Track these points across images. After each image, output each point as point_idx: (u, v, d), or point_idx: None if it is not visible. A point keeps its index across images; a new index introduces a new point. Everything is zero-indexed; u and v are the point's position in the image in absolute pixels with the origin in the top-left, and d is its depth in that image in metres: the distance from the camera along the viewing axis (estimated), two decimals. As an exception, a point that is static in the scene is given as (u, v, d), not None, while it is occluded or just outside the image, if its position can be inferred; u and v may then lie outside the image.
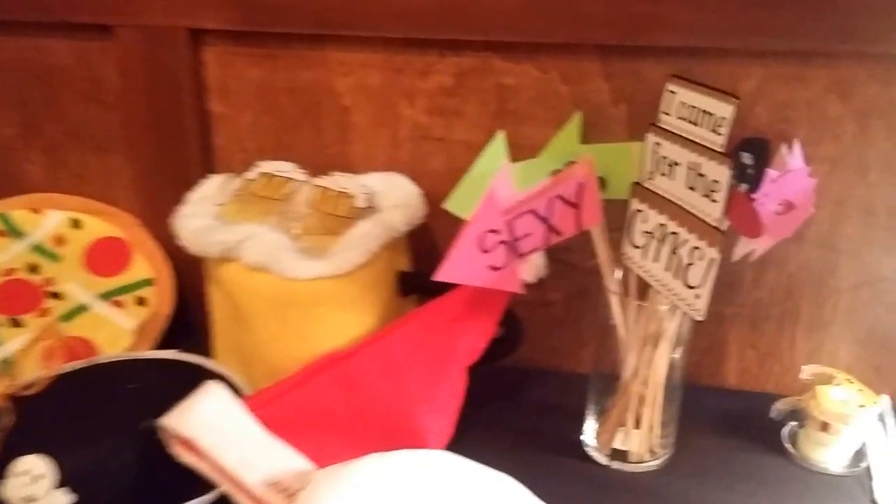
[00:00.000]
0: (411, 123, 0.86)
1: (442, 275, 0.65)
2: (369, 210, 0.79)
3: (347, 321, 0.74)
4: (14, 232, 0.93)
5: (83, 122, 0.95)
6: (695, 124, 0.64)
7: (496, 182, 0.66)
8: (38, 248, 0.93)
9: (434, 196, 0.84)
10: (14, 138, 0.98)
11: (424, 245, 0.86)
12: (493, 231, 0.66)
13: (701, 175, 0.63)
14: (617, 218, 0.73)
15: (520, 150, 0.83)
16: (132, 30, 0.87)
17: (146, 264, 0.94)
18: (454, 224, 0.74)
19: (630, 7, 0.73)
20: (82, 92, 0.93)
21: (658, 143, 0.68)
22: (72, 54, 0.92)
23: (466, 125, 0.84)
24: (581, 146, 0.79)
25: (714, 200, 0.62)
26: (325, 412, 0.70)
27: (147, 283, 0.93)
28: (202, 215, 0.79)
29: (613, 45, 0.76)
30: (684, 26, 0.73)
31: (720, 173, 0.61)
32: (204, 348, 0.85)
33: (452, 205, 0.78)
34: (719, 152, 0.61)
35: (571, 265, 0.86)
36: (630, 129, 0.79)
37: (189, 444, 0.66)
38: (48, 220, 0.95)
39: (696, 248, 0.64)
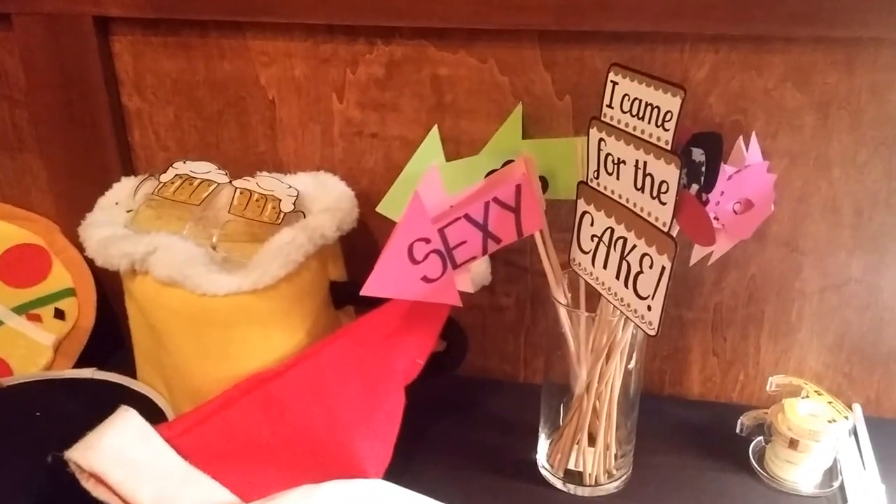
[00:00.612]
0: (343, 119, 0.79)
1: (368, 289, 0.59)
2: (297, 214, 0.73)
3: (272, 339, 0.68)
4: (-81, 243, 0.86)
5: (-11, 121, 0.87)
6: (640, 118, 0.58)
7: (423, 186, 0.59)
8: (-53, 259, 0.86)
9: (372, 196, 0.79)
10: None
11: (362, 250, 0.80)
12: (423, 240, 0.59)
13: (648, 175, 0.58)
14: (565, 219, 0.67)
15: (459, 146, 0.77)
16: (31, 18, 0.79)
17: (65, 273, 0.88)
18: (393, 227, 0.68)
19: (571, -10, 0.67)
20: (-14, 89, 0.86)
21: (602, 140, 0.62)
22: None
23: (402, 120, 0.78)
24: (523, 141, 0.73)
25: (663, 203, 0.56)
26: (251, 440, 0.64)
27: (67, 293, 0.87)
28: (110, 223, 0.72)
29: (554, 31, 0.70)
30: (629, 9, 0.67)
31: (668, 173, 0.55)
32: (131, 364, 0.79)
33: (386, 208, 0.72)
34: (667, 150, 0.56)
35: (522, 268, 0.80)
36: (576, 122, 0.73)
37: (100, 479, 0.60)
38: (-43, 227, 0.88)
39: (646, 255, 0.58)
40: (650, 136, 0.57)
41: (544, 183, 0.70)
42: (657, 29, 0.68)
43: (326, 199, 0.75)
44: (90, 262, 0.79)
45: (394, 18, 0.72)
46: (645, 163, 0.57)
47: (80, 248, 0.83)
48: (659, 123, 0.56)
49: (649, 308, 0.58)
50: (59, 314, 0.85)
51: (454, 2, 0.70)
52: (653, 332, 0.57)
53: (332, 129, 0.80)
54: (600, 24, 0.68)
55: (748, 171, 0.64)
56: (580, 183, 0.65)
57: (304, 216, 0.73)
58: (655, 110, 0.57)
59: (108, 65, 0.81)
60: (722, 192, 0.63)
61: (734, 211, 0.64)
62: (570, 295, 0.68)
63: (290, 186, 0.75)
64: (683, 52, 0.69)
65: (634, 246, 0.59)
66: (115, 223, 0.73)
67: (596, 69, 0.71)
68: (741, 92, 0.69)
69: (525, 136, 0.73)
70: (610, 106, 0.62)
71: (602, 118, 0.62)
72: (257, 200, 0.73)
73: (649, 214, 0.58)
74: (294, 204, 0.73)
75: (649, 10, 0.66)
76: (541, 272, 0.67)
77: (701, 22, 0.66)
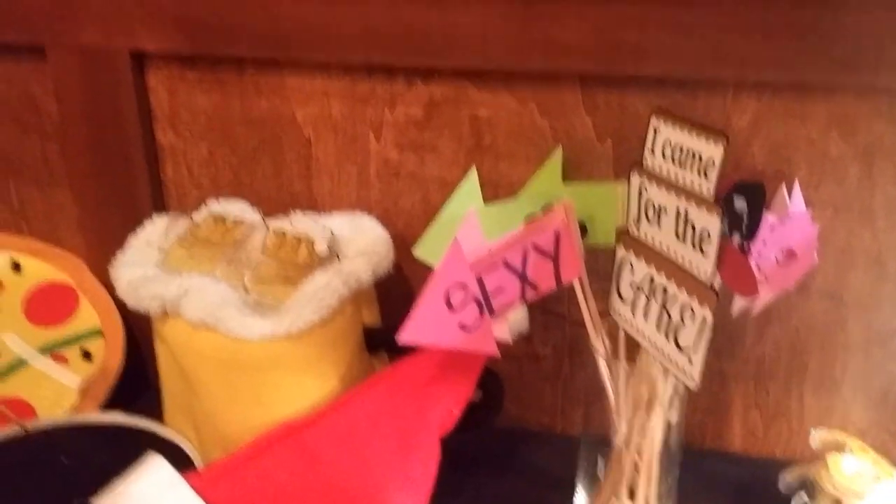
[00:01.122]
0: (380, 158, 0.84)
1: (406, 336, 0.63)
2: (332, 257, 0.77)
3: (305, 385, 0.72)
4: (-55, 279, 0.91)
5: (21, 153, 0.93)
6: (682, 166, 0.62)
7: (462, 230, 0.63)
8: (-27, 296, 0.91)
9: (408, 238, 0.82)
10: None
11: (396, 293, 0.84)
12: (461, 286, 0.63)
13: (690, 223, 0.61)
14: (605, 265, 0.71)
15: (498, 189, 0.81)
16: (66, 51, 0.85)
17: (93, 312, 0.92)
18: (429, 270, 0.72)
19: (612, 34, 0.71)
20: (17, 119, 0.92)
21: (643, 186, 0.66)
22: (2, 78, 0.90)
23: (440, 161, 0.82)
24: (563, 185, 0.77)
25: (705, 253, 0.60)
26: (283, 490, 0.68)
27: (94, 333, 0.91)
28: (142, 263, 0.77)
29: (595, 75, 0.75)
30: (671, 55, 0.71)
31: (710, 223, 0.59)
32: (158, 408, 0.83)
33: (423, 251, 0.76)
34: (708, 199, 0.59)
35: (560, 316, 0.84)
36: (616, 166, 0.77)
37: (127, 529, 0.64)
38: (-16, 263, 0.93)
39: (687, 305, 0.62)
40: (692, 184, 0.61)
41: (583, 229, 0.74)
42: (698, 75, 0.72)
43: (362, 241, 0.79)
44: (118, 302, 0.84)
45: (433, 58, 0.77)
46: (686, 211, 0.61)
47: (109, 286, 0.89)
48: (701, 172, 0.60)
49: (690, 360, 0.61)
50: (86, 355, 0.90)
51: (495, 43, 0.74)
52: (694, 386, 0.61)
53: (368, 168, 0.85)
54: (641, 68, 0.72)
55: (791, 221, 0.67)
56: (620, 230, 0.68)
57: (339, 259, 0.77)
58: (697, 158, 0.61)
59: (142, 100, 0.87)
60: (764, 242, 0.66)
61: (776, 261, 0.68)
62: (609, 344, 0.71)
63: (325, 227, 0.79)
64: (726, 98, 0.73)
65: (675, 296, 0.63)
66: (146, 263, 0.77)
67: (637, 113, 0.75)
68: (784, 140, 0.73)
69: (565, 179, 0.78)
70: (651, 152, 0.66)
71: (643, 164, 0.66)
72: (291, 242, 0.78)
73: (690, 264, 0.62)
74: (328, 246, 0.77)
75: (690, 56, 0.70)
76: (579, 321, 0.70)
77: (743, 69, 0.70)
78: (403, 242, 0.82)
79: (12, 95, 0.90)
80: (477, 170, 0.80)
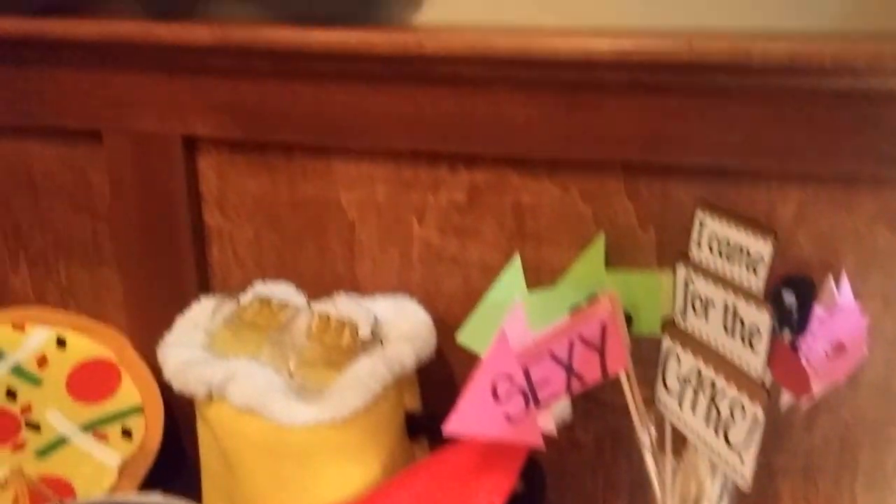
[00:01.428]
0: (423, 242, 0.84)
1: (451, 427, 0.62)
2: (375, 341, 0.77)
3: (349, 471, 0.71)
4: (-6, 352, 0.92)
5: (71, 233, 0.95)
6: (729, 260, 0.62)
7: (509, 320, 0.63)
8: (19, 371, 0.92)
9: (448, 321, 0.82)
10: (-2, 248, 0.98)
11: (437, 377, 0.83)
12: (507, 378, 0.63)
13: (738, 318, 0.60)
14: (648, 352, 0.70)
15: (540, 274, 0.81)
16: (121, 135, 0.87)
17: (134, 390, 0.92)
18: (470, 355, 0.71)
19: (655, 124, 0.72)
20: (70, 200, 0.93)
21: (689, 278, 0.65)
22: (58, 160, 0.92)
23: (482, 245, 0.82)
24: (606, 272, 0.76)
25: (755, 350, 0.59)
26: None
27: (135, 411, 0.91)
28: (189, 345, 0.77)
29: (638, 163, 0.75)
30: (714, 146, 0.71)
31: (760, 320, 0.58)
32: (196, 489, 0.82)
33: (466, 337, 0.75)
34: (758, 297, 0.59)
35: (602, 403, 0.82)
36: (659, 254, 0.77)
37: None
38: (31, 338, 0.94)
39: (737, 401, 0.60)
40: (740, 279, 0.61)
41: (628, 318, 0.73)
42: (742, 165, 0.72)
43: (405, 325, 0.79)
44: (159, 379, 0.84)
45: (477, 145, 0.78)
46: (734, 306, 0.60)
47: (152, 363, 0.89)
48: (749, 267, 0.60)
49: (741, 459, 0.60)
50: (126, 433, 0.89)
51: (537, 132, 0.75)
52: (746, 485, 0.59)
53: (411, 252, 0.85)
54: (684, 158, 0.72)
55: (840, 314, 0.66)
56: (666, 321, 0.68)
57: (382, 343, 0.77)
58: (745, 253, 0.60)
59: (192, 182, 0.88)
60: (813, 335, 0.65)
61: (825, 354, 0.66)
62: (655, 435, 0.70)
63: (369, 311, 0.79)
64: (770, 188, 0.73)
65: (724, 391, 0.61)
66: (193, 345, 0.78)
67: (680, 201, 0.75)
68: (830, 230, 0.72)
69: (607, 266, 0.77)
70: (698, 245, 0.65)
71: (689, 256, 0.66)
72: (335, 326, 0.78)
73: (739, 359, 0.61)
74: (372, 330, 0.77)
75: (734, 147, 0.70)
76: (622, 407, 0.69)
77: (787, 159, 0.70)
78: (444, 326, 0.82)
79: (67, 177, 0.92)
80: (519, 255, 0.80)
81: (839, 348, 0.67)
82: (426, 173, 0.82)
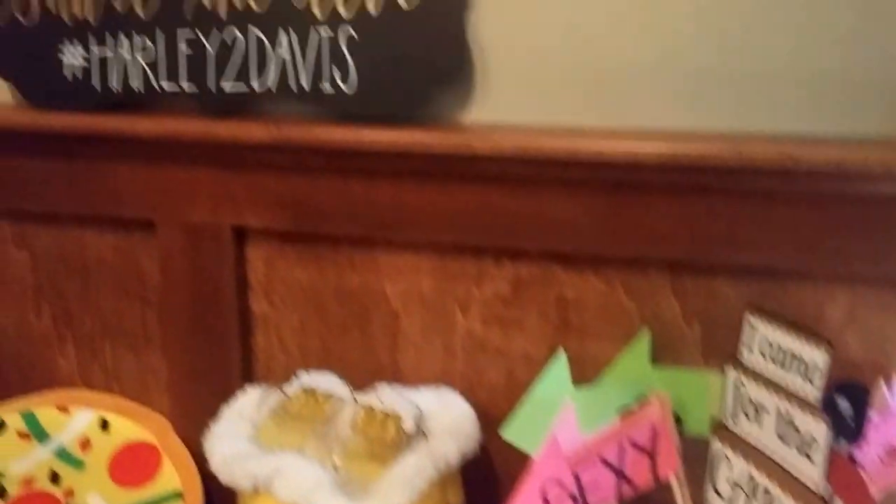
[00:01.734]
0: (466, 332, 0.84)
1: (501, 532, 0.61)
2: (419, 435, 0.76)
3: (392, 569, 0.69)
4: (39, 434, 0.92)
5: (119, 317, 0.95)
6: (782, 366, 0.61)
7: (559, 423, 0.62)
8: (63, 454, 0.91)
9: (491, 412, 0.81)
10: (47, 331, 0.98)
11: (479, 468, 0.81)
12: (558, 482, 0.61)
13: (793, 426, 0.59)
14: (694, 450, 0.68)
15: (583, 367, 0.80)
16: (175, 226, 0.88)
17: (175, 475, 0.91)
18: (512, 447, 0.70)
19: (701, 224, 0.72)
20: (120, 286, 0.94)
21: (740, 381, 0.64)
22: (112, 248, 0.93)
23: (526, 337, 0.82)
24: (651, 368, 0.75)
25: (812, 461, 0.57)
26: None
27: (175, 496, 0.90)
28: (235, 437, 0.77)
29: (684, 261, 0.74)
30: (762, 247, 0.70)
31: (817, 430, 0.57)
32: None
33: (511, 433, 0.74)
34: (814, 406, 0.57)
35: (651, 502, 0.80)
36: (705, 351, 0.76)
37: None
38: (76, 420, 0.94)
39: (793, 511, 0.58)
40: (794, 386, 0.59)
41: (676, 419, 0.71)
42: (789, 266, 0.71)
43: (448, 418, 0.78)
44: (200, 463, 0.83)
45: (522, 241, 0.78)
46: (789, 414, 0.59)
47: (192, 447, 0.88)
48: (804, 376, 0.59)
49: (799, 571, 0.58)
50: (167, 518, 0.88)
51: (582, 229, 0.75)
52: None
53: (454, 342, 0.84)
54: (731, 258, 0.72)
55: (893, 418, 0.65)
56: (716, 423, 0.66)
57: (426, 436, 0.76)
58: (799, 361, 0.59)
59: (241, 271, 0.89)
60: (867, 441, 0.63)
61: (880, 460, 0.64)
62: (705, 539, 0.68)
63: (412, 404, 0.78)
64: (818, 288, 0.72)
65: (779, 499, 0.60)
66: (239, 436, 0.77)
67: (727, 298, 0.74)
68: (880, 331, 0.71)
69: (652, 361, 0.76)
70: (749, 349, 0.64)
71: (740, 359, 0.65)
72: (380, 418, 0.77)
73: (794, 467, 0.59)
74: (416, 423, 0.76)
75: (781, 248, 0.70)
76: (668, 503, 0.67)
77: (836, 262, 0.69)
78: (486, 416, 0.81)
79: (119, 264, 0.93)
80: (562, 347, 0.79)
81: (893, 453, 0.65)
82: (471, 265, 0.82)
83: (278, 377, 0.89)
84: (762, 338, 0.62)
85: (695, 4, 0.72)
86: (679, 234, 0.72)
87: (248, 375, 0.91)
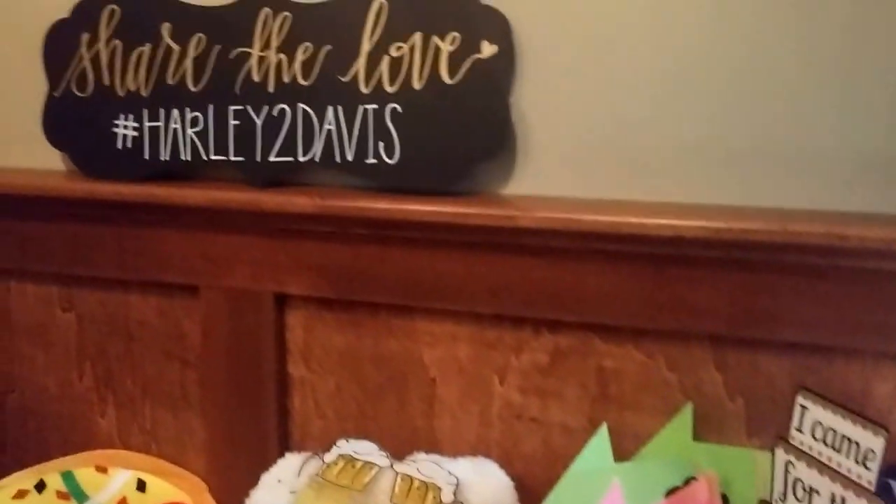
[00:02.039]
0: (503, 401, 0.82)
1: None
2: (457, 505, 0.74)
3: None
4: (78, 495, 0.91)
5: (160, 379, 0.95)
6: (835, 449, 0.59)
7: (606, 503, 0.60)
8: (101, 515, 0.90)
9: (527, 482, 0.79)
10: (88, 391, 0.98)
11: (516, 540, 0.79)
12: (603, 563, 0.59)
13: (846, 511, 0.57)
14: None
15: (622, 439, 0.77)
16: (218, 291, 0.88)
17: (210, 538, 0.90)
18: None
19: (745, 299, 0.70)
20: (162, 348, 0.94)
21: (790, 463, 0.62)
22: (155, 310, 0.93)
23: (564, 407, 0.80)
24: (694, 443, 0.73)
25: (867, 549, 0.55)
26: None
27: (210, 558, 0.88)
28: (274, 503, 0.75)
29: (727, 334, 0.73)
30: (807, 322, 0.69)
31: (872, 517, 0.54)
32: None
33: (552, 508, 0.72)
34: (870, 490, 0.55)
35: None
36: (749, 426, 0.73)
37: None
38: (114, 481, 0.93)
39: None
40: (848, 470, 0.57)
41: (723, 498, 0.69)
42: (836, 342, 0.69)
43: (486, 489, 0.76)
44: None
45: (562, 313, 0.76)
46: (843, 499, 0.57)
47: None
48: (858, 459, 0.56)
49: None
50: (199, 584, 0.87)
51: (623, 301, 0.74)
52: None
53: (490, 410, 0.82)
54: (775, 333, 0.70)
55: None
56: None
57: (465, 508, 0.74)
58: (854, 445, 0.57)
59: (280, 336, 0.88)
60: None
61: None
62: None
63: (451, 475, 0.76)
64: (865, 365, 0.69)
65: (833, 587, 0.57)
66: (277, 502, 0.76)
67: (771, 374, 0.72)
68: (930, 410, 0.68)
69: (695, 436, 0.74)
70: (799, 430, 0.62)
71: (790, 440, 0.62)
72: (418, 488, 0.75)
73: (849, 554, 0.56)
74: (454, 494, 0.74)
75: (827, 325, 0.68)
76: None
77: (884, 339, 0.67)
78: (523, 487, 0.79)
79: (162, 327, 0.93)
80: (601, 418, 0.77)
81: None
82: (509, 335, 0.80)
83: (314, 440, 0.88)
84: (814, 420, 0.60)
85: (738, 83, 0.71)
86: (721, 308, 0.71)
87: (284, 438, 0.89)
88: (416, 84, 0.76)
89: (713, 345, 0.74)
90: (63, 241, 0.91)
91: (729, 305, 0.71)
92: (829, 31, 0.69)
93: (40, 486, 0.90)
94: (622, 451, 0.76)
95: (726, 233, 0.67)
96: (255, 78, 0.81)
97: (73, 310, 0.96)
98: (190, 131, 0.84)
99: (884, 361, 0.69)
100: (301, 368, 0.89)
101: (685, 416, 0.74)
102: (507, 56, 0.75)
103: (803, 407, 0.62)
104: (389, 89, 0.77)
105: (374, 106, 0.77)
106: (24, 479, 0.90)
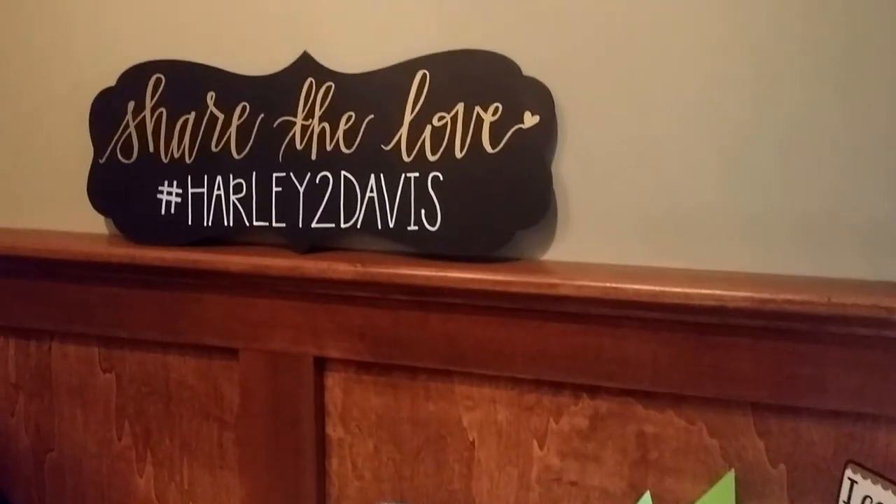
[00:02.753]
0: (542, 464, 0.81)
1: None
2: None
3: None
4: (115, 556, 0.90)
5: (198, 438, 0.94)
6: (887, 525, 0.57)
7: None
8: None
9: (566, 547, 0.78)
10: (126, 450, 0.97)
11: None
12: None
13: (903, 590, 0.55)
14: None
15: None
16: (257, 354, 0.87)
17: None
18: None
19: (788, 368, 0.69)
20: (201, 409, 0.93)
21: (841, 538, 0.60)
22: (194, 372, 0.92)
23: (603, 471, 0.78)
24: (738, 511, 0.72)
25: None
26: None
27: None
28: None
29: (769, 402, 0.71)
30: (851, 391, 0.68)
31: None
32: None
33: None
34: (927, 572, 0.53)
35: None
36: (791, 493, 0.72)
37: None
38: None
39: None
40: (902, 549, 0.56)
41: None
42: (879, 411, 0.68)
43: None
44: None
45: (603, 379, 0.76)
46: (899, 578, 0.55)
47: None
48: (913, 538, 0.55)
49: None
50: None
51: (664, 368, 0.73)
52: None
53: (529, 473, 0.81)
54: (819, 402, 0.69)
55: None
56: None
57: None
58: (907, 523, 0.55)
59: (318, 398, 0.87)
60: None
61: None
62: None
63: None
64: (909, 433, 0.68)
65: None
66: (320, 570, 0.74)
67: (813, 441, 0.71)
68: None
69: (737, 502, 0.72)
70: (847, 503, 0.61)
71: (838, 514, 0.61)
72: (461, 555, 0.74)
73: None
74: (497, 562, 0.73)
75: (871, 394, 0.67)
76: None
77: (930, 409, 0.66)
78: (564, 554, 0.77)
79: (201, 388, 0.92)
80: (641, 483, 0.76)
81: None
82: (548, 399, 0.80)
83: (352, 502, 0.87)
84: (863, 495, 0.59)
85: (784, 153, 0.72)
86: (764, 376, 0.70)
87: (322, 499, 0.88)
88: (458, 153, 0.76)
89: (755, 411, 0.73)
90: (105, 304, 0.91)
91: (772, 374, 0.70)
92: (878, 102, 0.69)
93: (79, 547, 0.89)
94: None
95: (770, 303, 0.66)
96: (298, 146, 0.82)
97: (113, 370, 0.95)
98: (233, 198, 0.84)
99: (932, 436, 0.68)
100: (339, 430, 0.88)
101: (727, 483, 0.73)
102: (548, 126, 0.75)
103: (852, 481, 0.60)
104: (431, 158, 0.77)
105: (416, 174, 0.78)
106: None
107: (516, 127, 0.75)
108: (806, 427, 0.71)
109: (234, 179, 0.84)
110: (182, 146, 0.86)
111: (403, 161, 0.78)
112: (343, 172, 0.80)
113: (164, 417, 0.95)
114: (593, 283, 0.71)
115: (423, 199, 0.78)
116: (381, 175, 0.79)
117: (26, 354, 0.98)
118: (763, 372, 0.70)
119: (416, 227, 0.78)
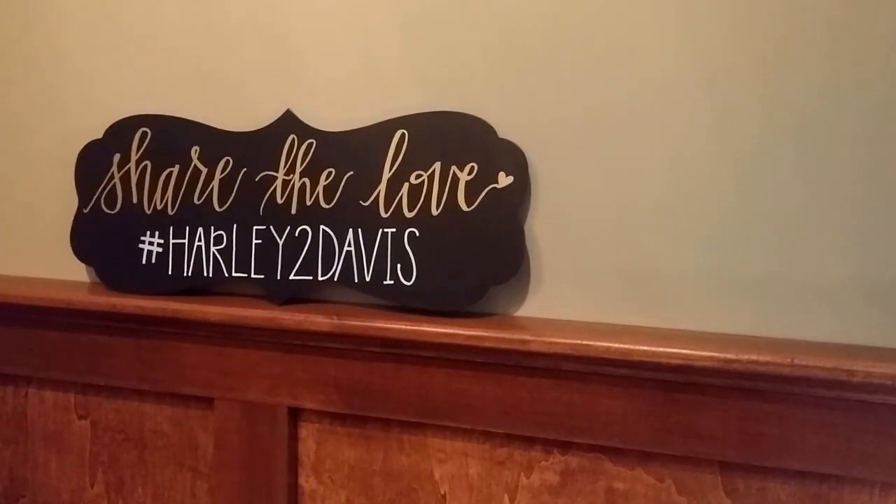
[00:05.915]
0: (513, 519, 0.79)
1: None
2: None
3: None
4: None
5: (171, 488, 0.91)
6: (852, 589, 0.55)
7: None
8: None
9: None
10: (98, 497, 0.94)
11: None
12: None
13: None
14: None
15: (635, 565, 0.74)
16: (233, 403, 0.85)
17: None
18: None
19: (754, 427, 0.68)
20: (175, 458, 0.91)
21: None
22: (170, 421, 0.90)
23: (573, 526, 0.76)
24: (705, 570, 0.70)
25: None
26: None
27: None
28: None
29: (735, 461, 0.70)
30: (816, 451, 0.67)
31: None
32: None
33: None
34: None
35: None
36: (761, 554, 0.70)
37: None
38: (119, 592, 0.88)
39: None
40: None
41: None
42: (843, 471, 0.67)
43: None
44: None
45: (573, 434, 0.74)
46: None
47: None
48: None
49: None
50: None
51: (633, 425, 0.72)
52: None
53: (500, 528, 0.79)
54: (783, 461, 0.68)
55: None
56: None
57: None
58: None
59: (292, 448, 0.85)
60: None
61: None
62: None
63: None
64: (873, 494, 0.67)
65: None
66: None
67: (779, 500, 0.70)
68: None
69: (705, 562, 0.71)
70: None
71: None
72: None
73: None
74: None
75: (835, 455, 0.66)
76: None
77: (892, 471, 0.65)
78: None
79: (175, 437, 0.90)
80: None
81: None
82: (520, 454, 0.78)
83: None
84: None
85: (749, 214, 0.72)
86: (730, 434, 0.69)
87: (293, 552, 0.85)
88: (434, 210, 0.76)
89: (722, 470, 0.71)
90: (83, 351, 0.89)
91: (738, 432, 0.69)
92: (839, 166, 0.69)
93: None
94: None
95: (735, 363, 0.65)
96: (279, 200, 0.81)
97: (89, 416, 0.93)
98: (213, 249, 0.83)
99: (892, 492, 0.66)
100: (312, 481, 0.86)
101: (696, 542, 0.71)
102: (522, 186, 0.75)
103: (819, 543, 0.59)
104: (408, 214, 0.77)
105: (393, 230, 0.77)
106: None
107: (491, 186, 0.75)
108: (773, 487, 0.70)
109: (215, 231, 0.83)
110: (165, 198, 0.85)
111: (381, 217, 0.77)
112: (322, 227, 0.79)
113: (137, 465, 0.92)
114: (564, 340, 0.70)
115: (400, 254, 0.77)
116: (360, 230, 0.78)
117: (3, 400, 0.96)
118: (730, 430, 0.69)
119: (392, 281, 0.77)
